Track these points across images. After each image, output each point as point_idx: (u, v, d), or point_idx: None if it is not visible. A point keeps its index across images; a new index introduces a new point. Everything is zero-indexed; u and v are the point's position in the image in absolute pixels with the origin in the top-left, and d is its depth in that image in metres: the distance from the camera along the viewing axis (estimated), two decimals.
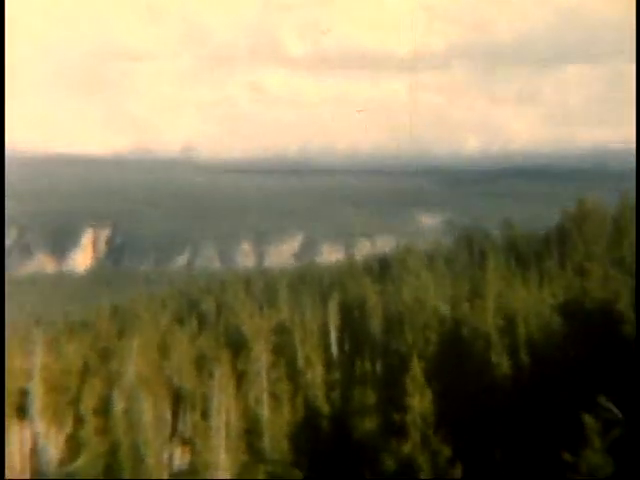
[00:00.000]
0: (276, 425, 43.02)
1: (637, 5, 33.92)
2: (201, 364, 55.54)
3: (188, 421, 47.15)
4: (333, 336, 59.69)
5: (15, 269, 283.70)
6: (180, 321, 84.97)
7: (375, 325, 59.40)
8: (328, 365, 53.50)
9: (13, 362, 51.92)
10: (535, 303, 47.96)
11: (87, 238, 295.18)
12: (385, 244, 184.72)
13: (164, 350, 60.22)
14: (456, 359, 42.81)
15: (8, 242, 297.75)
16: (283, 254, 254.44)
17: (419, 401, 31.45)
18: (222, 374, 46.48)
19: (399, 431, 31.38)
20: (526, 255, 75.27)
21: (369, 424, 39.94)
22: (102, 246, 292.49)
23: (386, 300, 64.70)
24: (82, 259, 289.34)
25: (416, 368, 32.26)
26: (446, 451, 30.21)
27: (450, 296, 58.12)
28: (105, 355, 58.07)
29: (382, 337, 57.00)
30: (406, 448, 30.55)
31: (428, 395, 31.59)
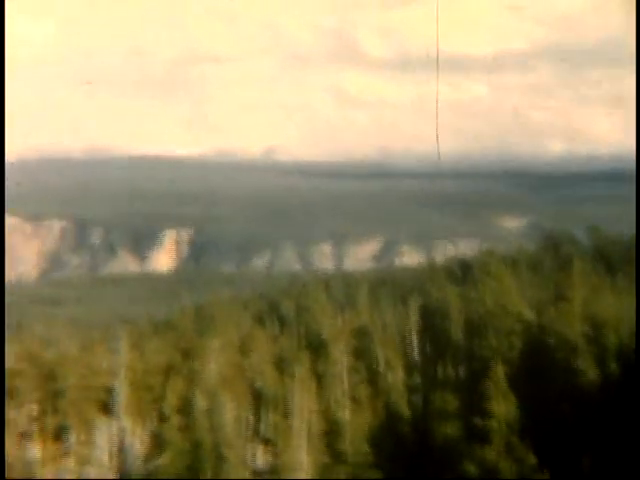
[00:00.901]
0: (356, 427, 42.79)
1: (637, 5, 35.34)
2: (281, 365, 55.62)
3: (269, 421, 47.25)
4: (414, 340, 59.15)
5: (100, 268, 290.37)
6: (260, 322, 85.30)
7: (457, 329, 58.58)
8: (409, 369, 53.02)
9: (99, 360, 52.91)
10: (625, 310, 46.52)
11: (169, 239, 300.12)
12: (467, 247, 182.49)
13: (245, 351, 60.52)
14: (540, 365, 41.91)
15: (94, 242, 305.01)
16: (363, 257, 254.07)
17: (502, 407, 30.90)
18: (302, 376, 46.55)
19: (482, 437, 30.83)
20: (614, 260, 73.30)
21: (451, 429, 39.40)
22: (184, 247, 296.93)
23: (468, 304, 63.74)
24: (164, 259, 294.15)
25: (499, 373, 31.71)
26: (531, 458, 29.59)
27: (534, 301, 56.94)
28: (187, 355, 58.60)
29: (464, 342, 56.21)
30: (489, 454, 30.02)
31: (512, 401, 31.02)
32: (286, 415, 44.55)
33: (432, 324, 61.80)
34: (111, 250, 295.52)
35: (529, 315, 51.58)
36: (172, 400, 47.59)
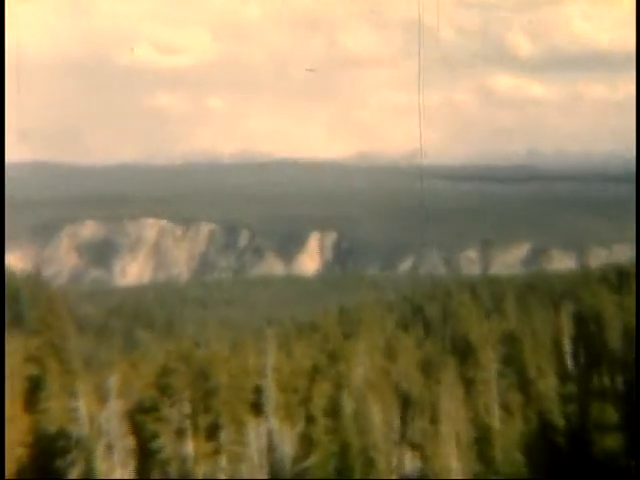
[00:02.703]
0: (508, 436, 41.61)
1: (637, 5, 36.15)
2: (427, 370, 54.93)
3: (417, 426, 46.71)
4: (567, 347, 57.12)
5: (247, 271, 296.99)
6: (405, 326, 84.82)
7: (613, 338, 56.18)
8: (562, 377, 51.20)
9: (248, 360, 53.74)
10: None
11: (314, 242, 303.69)
12: (623, 253, 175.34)
13: (390, 354, 60.18)
14: None
15: (241, 244, 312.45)
16: (510, 261, 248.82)
17: None
18: (449, 381, 45.75)
19: None
20: None
21: (610, 442, 37.60)
22: (329, 250, 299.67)
23: (624, 312, 61.03)
24: (309, 262, 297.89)
25: None
26: None
27: None
28: (333, 357, 58.76)
29: (621, 351, 53.79)
30: None
31: None
32: (434, 420, 43.88)
33: (586, 331, 59.56)
34: (258, 253, 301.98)
35: None
36: (319, 402, 47.75)
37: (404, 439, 46.03)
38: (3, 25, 42.30)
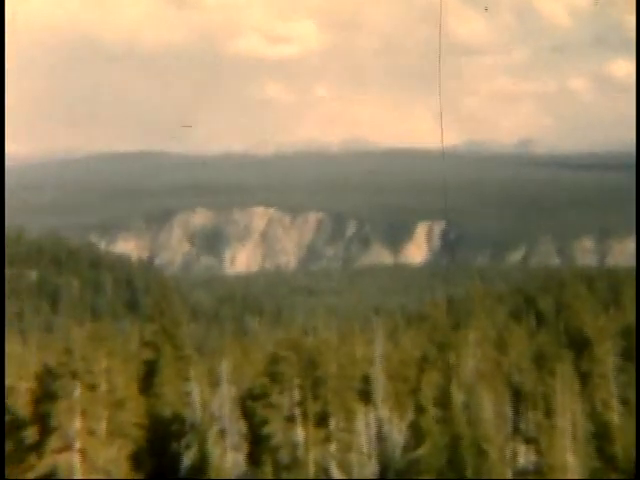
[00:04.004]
0: (628, 432, 40.08)
1: (637, 5, 36.79)
2: (541, 362, 53.56)
3: (530, 419, 45.60)
4: None
5: (354, 260, 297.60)
6: (517, 318, 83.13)
7: None
8: None
9: (355, 348, 53.65)
10: None
11: (421, 232, 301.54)
12: None
13: (501, 346, 59.00)
14: None
15: (349, 234, 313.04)
16: (629, 252, 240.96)
17: None
18: (564, 374, 44.45)
19: None
20: None
21: None
22: (436, 240, 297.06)
23: None
24: (417, 252, 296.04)
25: None
26: None
27: None
28: (442, 347, 58.07)
29: None
30: None
31: None
32: (549, 414, 42.72)
33: None
34: (365, 242, 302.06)
35: None
36: (428, 392, 47.20)
37: (517, 432, 45.05)
38: (3, 25, 42.26)
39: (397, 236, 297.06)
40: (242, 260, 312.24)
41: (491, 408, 44.92)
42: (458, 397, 46.34)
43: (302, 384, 45.75)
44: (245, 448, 44.71)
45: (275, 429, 43.38)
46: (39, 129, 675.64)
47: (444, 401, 46.38)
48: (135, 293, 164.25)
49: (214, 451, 43.53)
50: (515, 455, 42.94)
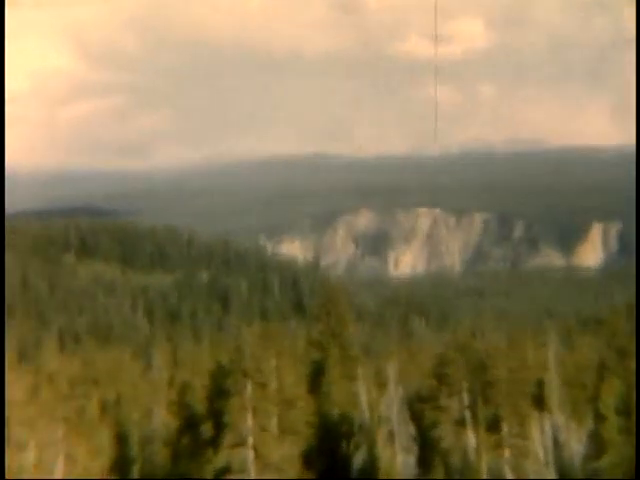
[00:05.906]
0: None
1: (637, 5, 32.45)
2: None
3: None
4: None
5: (522, 262, 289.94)
6: None
7: None
8: None
9: (527, 352, 51.65)
10: None
11: (596, 233, 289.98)
12: None
13: None
14: None
15: (516, 235, 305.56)
16: None
17: None
18: None
19: None
20: None
21: None
22: (612, 242, 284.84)
23: None
24: (591, 254, 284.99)
25: None
26: None
27: None
28: (622, 354, 54.93)
29: None
30: None
31: None
32: None
33: None
34: (533, 243, 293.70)
35: None
36: (609, 400, 44.59)
37: None
38: (3, 27, 41.88)
39: (569, 238, 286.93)
40: (406, 261, 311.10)
41: None
42: None
43: (471, 387, 44.35)
44: (415, 451, 43.80)
45: (445, 432, 42.24)
46: (210, 135, 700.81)
47: (626, 410, 43.71)
48: (301, 294, 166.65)
49: (384, 453, 42.87)
50: None
